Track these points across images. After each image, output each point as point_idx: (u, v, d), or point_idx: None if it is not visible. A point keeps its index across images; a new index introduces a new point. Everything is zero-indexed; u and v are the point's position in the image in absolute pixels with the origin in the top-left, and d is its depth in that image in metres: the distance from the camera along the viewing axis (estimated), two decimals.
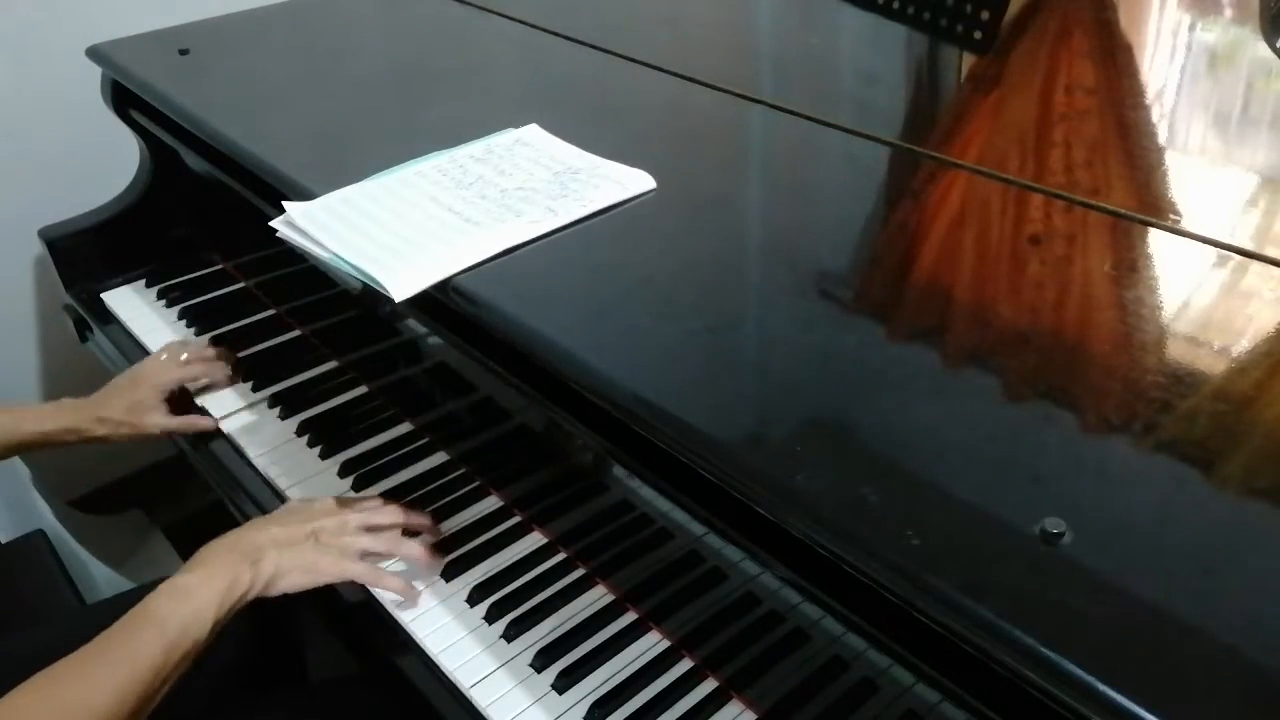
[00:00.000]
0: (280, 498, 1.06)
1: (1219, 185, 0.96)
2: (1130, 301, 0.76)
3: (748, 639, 0.79)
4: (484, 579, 0.93)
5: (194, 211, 1.42)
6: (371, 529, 0.93)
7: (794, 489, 0.62)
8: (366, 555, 0.91)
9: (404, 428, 1.12)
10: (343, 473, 1.07)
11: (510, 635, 0.88)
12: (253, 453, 1.11)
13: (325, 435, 1.12)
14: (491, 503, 1.01)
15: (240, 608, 0.83)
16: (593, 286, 0.85)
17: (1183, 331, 0.73)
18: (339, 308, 1.17)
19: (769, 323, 0.80)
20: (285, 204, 0.95)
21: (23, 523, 1.50)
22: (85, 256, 1.41)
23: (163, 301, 1.37)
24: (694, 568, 0.80)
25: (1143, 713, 0.48)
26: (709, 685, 0.83)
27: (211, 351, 1.20)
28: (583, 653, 0.86)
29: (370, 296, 0.85)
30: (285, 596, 0.87)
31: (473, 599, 0.91)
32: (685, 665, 0.85)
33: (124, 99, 1.33)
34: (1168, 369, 0.69)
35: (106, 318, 1.37)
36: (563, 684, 0.83)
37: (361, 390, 1.19)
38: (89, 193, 1.44)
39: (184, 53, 1.30)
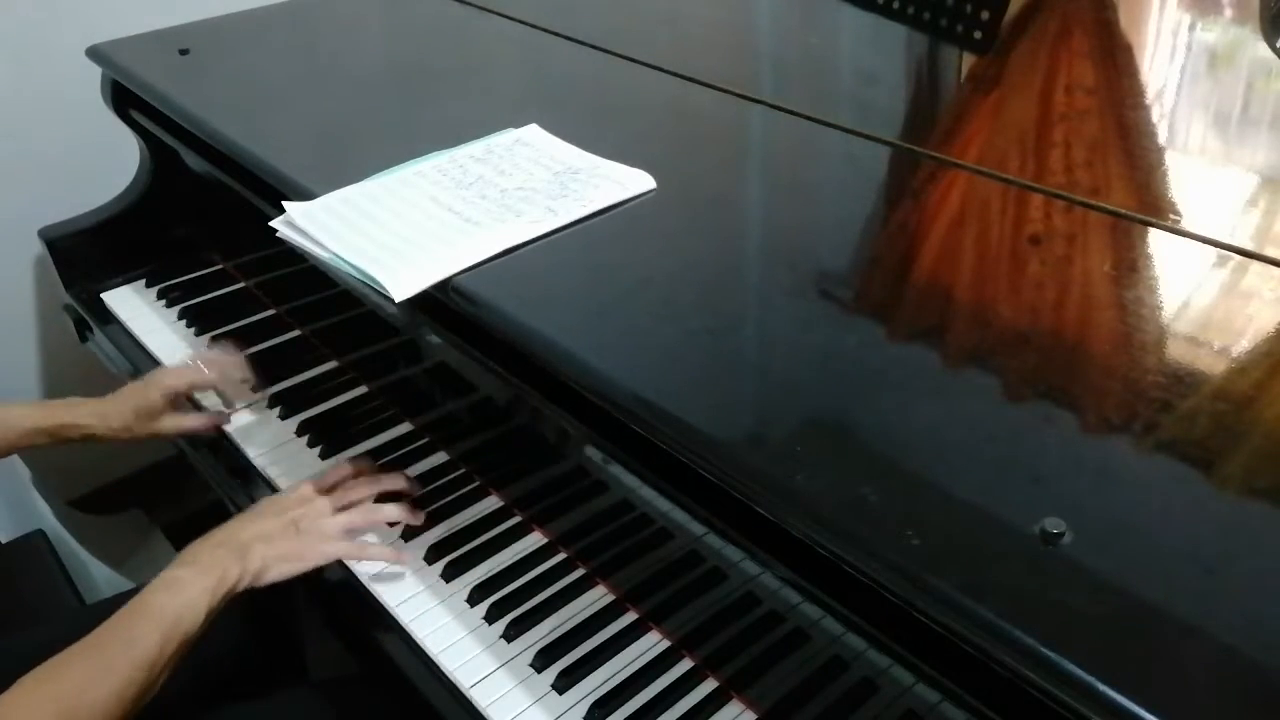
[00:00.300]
0: None
1: (1219, 185, 0.96)
2: (1130, 301, 0.76)
3: (748, 639, 0.79)
4: (484, 579, 0.93)
5: (194, 211, 1.42)
6: (347, 506, 0.96)
7: (794, 489, 0.62)
8: (350, 532, 0.94)
9: (404, 428, 1.12)
10: None
11: (510, 635, 0.88)
12: (253, 453, 1.11)
13: (325, 435, 1.12)
14: (491, 503, 1.01)
15: (230, 600, 0.85)
16: (593, 286, 0.85)
17: (1183, 331, 0.73)
18: (339, 308, 1.17)
19: (769, 323, 0.80)
20: (285, 204, 0.95)
21: (23, 523, 1.50)
22: (85, 256, 1.41)
23: (163, 301, 1.37)
24: (694, 568, 0.80)
25: (1143, 713, 0.48)
26: (709, 685, 0.83)
27: (227, 359, 1.17)
28: (583, 653, 0.86)
29: (370, 297, 0.85)
30: (278, 589, 0.88)
31: (473, 599, 0.91)
32: (685, 665, 0.85)
33: (124, 99, 1.33)
34: (1168, 369, 0.69)
35: (106, 318, 1.37)
36: (563, 684, 0.83)
37: (361, 390, 1.19)
38: (89, 193, 1.44)
39: (184, 53, 1.30)
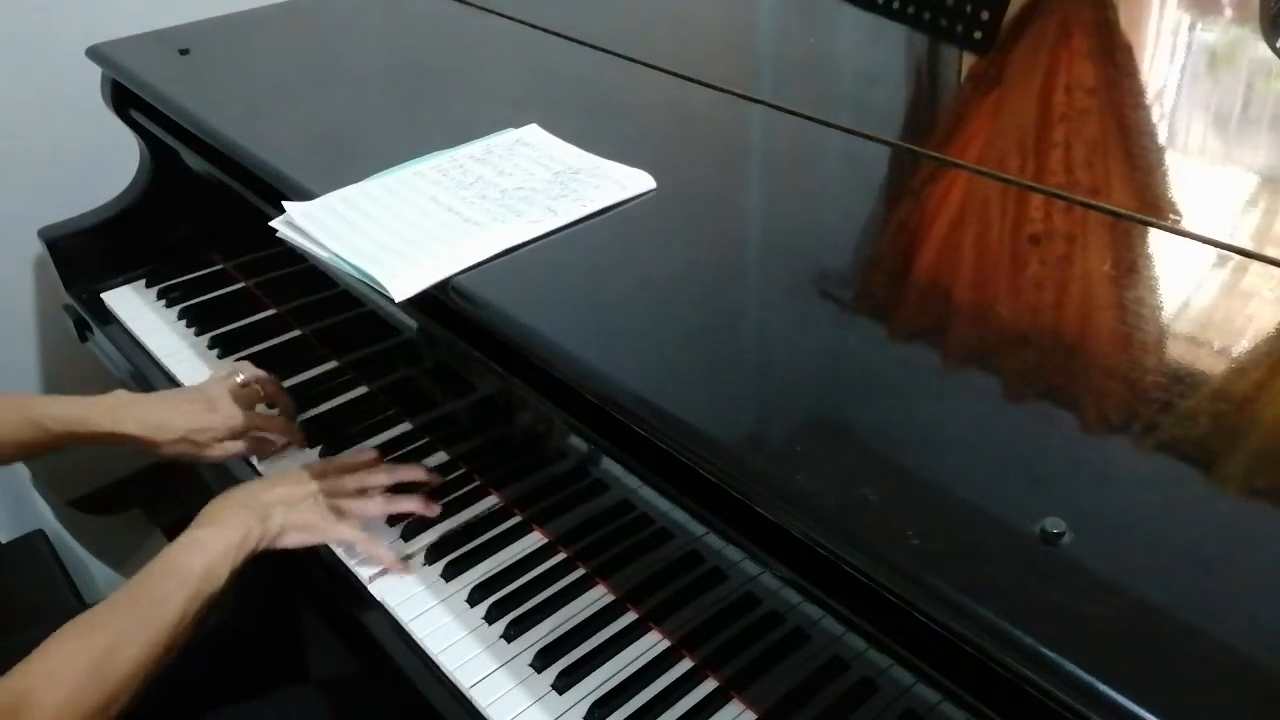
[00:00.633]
0: None
1: (1219, 185, 0.96)
2: (1130, 301, 0.76)
3: (748, 639, 0.79)
4: (484, 579, 0.93)
5: (194, 211, 1.42)
6: (365, 490, 0.97)
7: (794, 489, 0.62)
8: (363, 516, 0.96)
9: (404, 427, 1.12)
10: None
11: (510, 635, 0.88)
12: None
13: (325, 435, 1.12)
14: (491, 503, 1.01)
15: (249, 560, 0.87)
16: (592, 286, 0.85)
17: (1183, 331, 0.73)
18: (339, 308, 1.17)
19: (769, 323, 0.80)
20: (285, 204, 0.95)
21: (23, 523, 1.50)
22: (85, 256, 1.41)
23: (163, 301, 1.37)
24: (694, 568, 0.80)
25: (1143, 713, 0.48)
26: (709, 685, 0.83)
27: (284, 406, 1.13)
28: (583, 653, 0.86)
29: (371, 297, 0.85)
30: (285, 592, 0.88)
31: (473, 599, 0.91)
32: (685, 665, 0.85)
33: (124, 99, 1.33)
34: (1168, 369, 0.69)
35: (106, 318, 1.37)
36: (563, 684, 0.83)
37: (362, 390, 1.19)
38: (89, 193, 1.44)
39: (184, 53, 1.30)
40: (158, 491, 1.78)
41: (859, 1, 1.34)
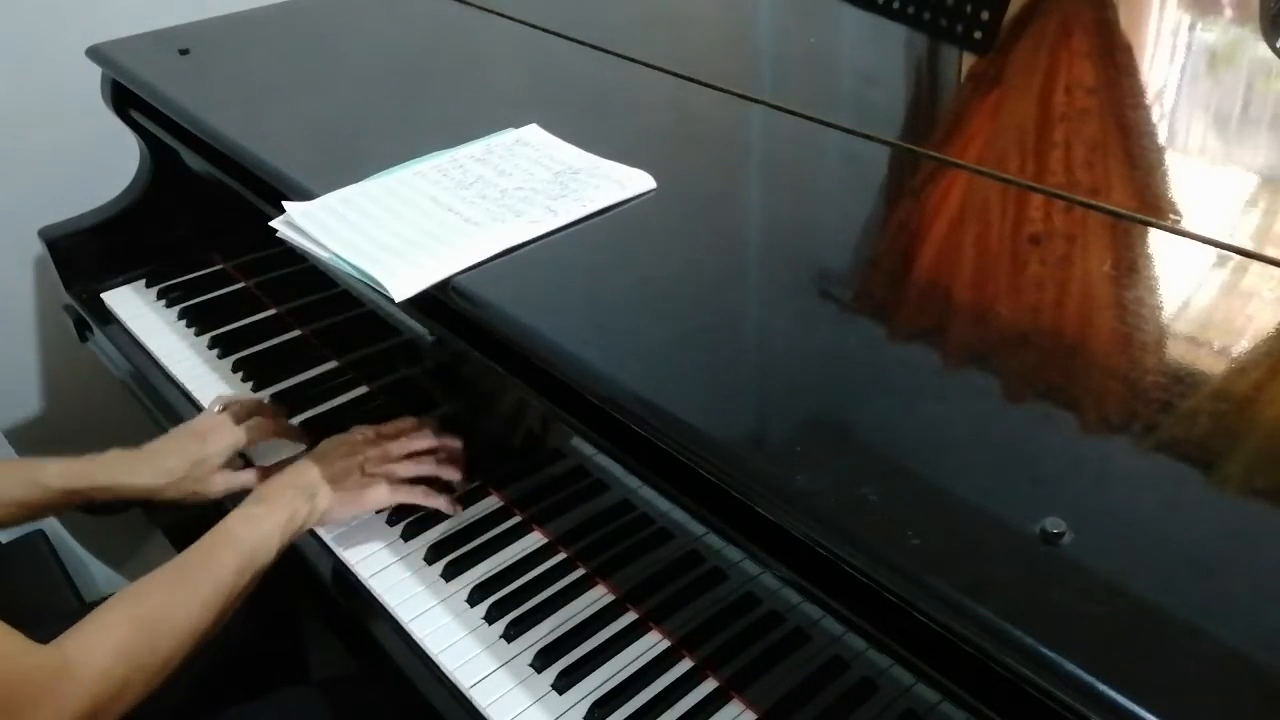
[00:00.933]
0: None
1: (1219, 185, 0.96)
2: (1130, 301, 0.76)
3: (748, 639, 0.79)
4: (484, 579, 0.93)
5: (194, 211, 1.42)
6: (411, 456, 0.99)
7: (794, 489, 0.62)
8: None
9: None
10: None
11: (510, 635, 0.88)
12: (252, 454, 1.11)
13: (326, 435, 1.11)
14: (491, 503, 1.01)
15: (298, 537, 0.92)
16: (593, 286, 0.85)
17: (1183, 331, 0.73)
18: (339, 308, 1.17)
19: (769, 322, 0.80)
20: (285, 204, 0.95)
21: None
22: (85, 256, 1.41)
23: (163, 301, 1.37)
24: (694, 568, 0.80)
25: (1143, 713, 0.48)
26: (709, 685, 0.83)
27: (268, 413, 1.13)
28: (583, 653, 0.86)
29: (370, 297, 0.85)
30: (285, 593, 0.88)
31: (473, 599, 0.91)
32: (685, 665, 0.85)
33: (124, 99, 1.33)
34: (1168, 369, 0.69)
35: (106, 318, 1.37)
36: (563, 684, 0.83)
37: (362, 390, 1.19)
38: (89, 193, 1.44)
39: (184, 53, 1.30)
40: None
41: (859, 1, 1.34)
